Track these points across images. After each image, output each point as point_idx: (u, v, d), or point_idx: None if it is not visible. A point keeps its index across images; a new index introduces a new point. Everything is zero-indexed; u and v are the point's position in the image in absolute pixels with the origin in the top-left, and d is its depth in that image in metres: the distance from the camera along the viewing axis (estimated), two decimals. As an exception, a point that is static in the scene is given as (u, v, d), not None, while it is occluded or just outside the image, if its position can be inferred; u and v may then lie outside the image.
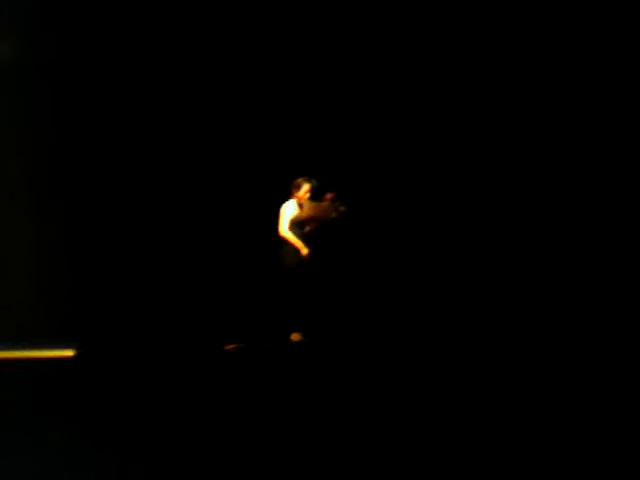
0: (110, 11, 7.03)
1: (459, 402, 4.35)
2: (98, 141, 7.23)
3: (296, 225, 6.65)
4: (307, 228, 6.68)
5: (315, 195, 6.77)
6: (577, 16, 6.89)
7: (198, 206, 7.35)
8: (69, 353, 4.79)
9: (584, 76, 6.96)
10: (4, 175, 7.12)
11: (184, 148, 7.34)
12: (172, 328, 5.68)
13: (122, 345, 4.98)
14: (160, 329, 5.51)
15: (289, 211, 6.66)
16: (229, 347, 5.69)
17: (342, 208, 6.76)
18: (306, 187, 6.68)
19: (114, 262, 6.93)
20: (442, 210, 7.29)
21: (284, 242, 6.61)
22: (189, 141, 7.37)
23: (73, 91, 7.25)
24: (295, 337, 6.43)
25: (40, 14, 6.84)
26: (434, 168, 7.34)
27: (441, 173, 7.33)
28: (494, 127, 7.19)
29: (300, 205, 6.70)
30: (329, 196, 6.73)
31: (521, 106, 7.10)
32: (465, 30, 7.14)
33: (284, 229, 6.60)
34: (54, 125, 7.26)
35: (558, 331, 5.93)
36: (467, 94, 7.22)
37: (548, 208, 7.02)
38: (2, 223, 7.03)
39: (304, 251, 6.57)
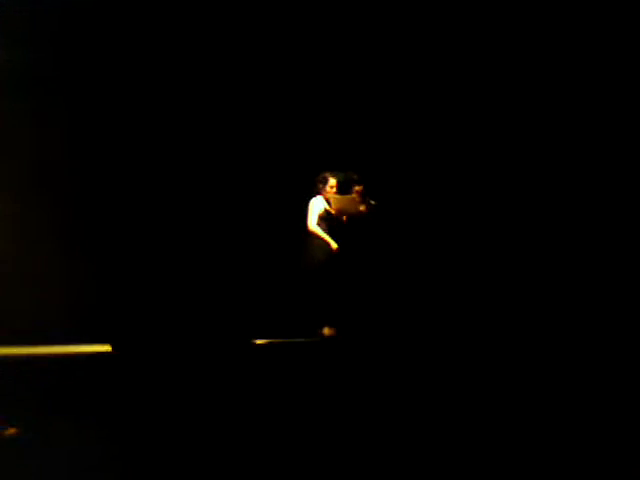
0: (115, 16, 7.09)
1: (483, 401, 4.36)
2: (120, 137, 7.30)
3: (323, 220, 6.66)
4: (343, 218, 6.67)
5: (341, 189, 6.77)
6: (577, 16, 6.82)
7: (228, 202, 7.38)
8: (106, 348, 4.84)
9: (584, 76, 6.89)
10: (31, 174, 7.24)
11: (212, 145, 7.37)
12: (203, 323, 5.70)
13: (157, 340, 5.02)
14: (191, 324, 5.54)
15: (317, 206, 6.68)
16: (258, 343, 5.70)
17: (372, 202, 6.76)
18: (332, 181, 6.70)
19: (148, 256, 7.00)
20: (470, 205, 7.25)
21: (312, 237, 6.62)
22: (217, 137, 7.40)
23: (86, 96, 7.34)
24: (327, 332, 6.42)
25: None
26: (462, 163, 7.29)
27: (469, 169, 7.28)
28: (522, 122, 7.14)
29: (327, 200, 6.72)
30: (357, 189, 6.71)
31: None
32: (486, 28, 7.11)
33: (312, 224, 6.62)
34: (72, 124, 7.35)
35: (559, 331, 5.87)
36: (493, 90, 7.16)
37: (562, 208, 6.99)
38: (31, 220, 7.14)
39: (333, 245, 6.57)
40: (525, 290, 6.73)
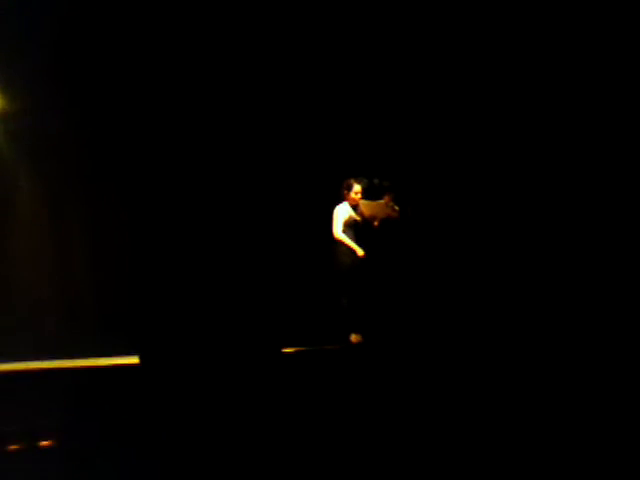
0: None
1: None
2: (150, 149, 7.38)
3: (349, 226, 6.64)
4: (374, 223, 6.66)
5: (366, 195, 6.76)
6: (577, 16, 6.75)
7: (257, 211, 7.42)
8: (134, 360, 4.88)
9: (585, 76, 6.82)
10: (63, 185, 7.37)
11: (244, 152, 7.41)
12: (231, 332, 5.73)
13: (185, 350, 5.05)
14: (219, 333, 5.57)
15: (342, 213, 6.66)
16: (287, 351, 5.71)
17: (397, 208, 6.75)
18: (358, 188, 6.69)
19: (177, 268, 7.08)
20: (494, 211, 7.20)
21: (338, 244, 6.60)
22: (245, 145, 7.45)
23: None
24: (355, 339, 6.40)
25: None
26: (486, 169, 7.25)
27: (492, 174, 7.23)
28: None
29: (353, 206, 6.70)
30: (388, 196, 6.70)
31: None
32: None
33: (338, 231, 6.60)
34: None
35: (561, 332, 5.83)
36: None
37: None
38: (59, 233, 7.26)
39: (359, 252, 6.54)
40: (546, 296, 6.67)
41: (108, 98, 7.28)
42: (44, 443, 4.09)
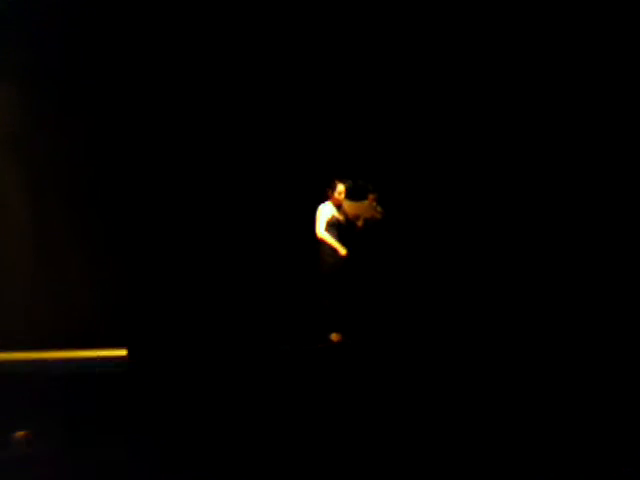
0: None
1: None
2: (141, 145, 7.39)
3: (332, 226, 6.64)
4: (358, 223, 6.68)
5: (349, 196, 6.78)
6: (577, 16, 6.84)
7: (238, 211, 7.45)
8: (122, 352, 4.88)
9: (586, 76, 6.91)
10: (51, 180, 7.33)
11: (221, 154, 7.44)
12: (215, 330, 5.76)
13: (173, 345, 5.06)
14: (204, 330, 5.59)
15: (325, 212, 6.65)
16: (274, 348, 5.74)
17: (380, 209, 6.78)
18: (341, 188, 6.68)
19: (164, 265, 7.09)
20: (481, 211, 7.26)
21: (321, 243, 6.59)
22: (226, 147, 7.47)
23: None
24: (335, 337, 6.42)
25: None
26: (472, 169, 7.31)
27: (478, 174, 7.29)
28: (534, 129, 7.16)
29: (337, 206, 6.71)
30: (371, 196, 6.73)
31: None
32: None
33: (321, 230, 6.59)
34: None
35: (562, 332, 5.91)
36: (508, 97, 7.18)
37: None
38: (52, 227, 7.23)
39: (342, 252, 6.54)
40: (543, 296, 6.74)
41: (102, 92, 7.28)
42: (19, 434, 4.06)
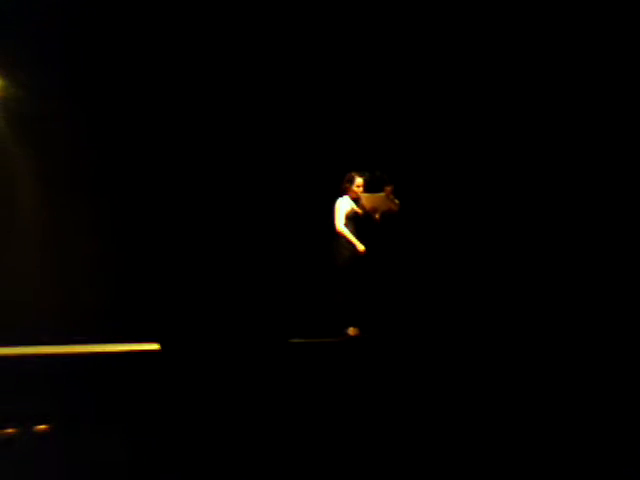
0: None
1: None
2: (154, 139, 7.36)
3: (350, 219, 6.59)
4: (375, 216, 6.62)
5: (368, 188, 6.73)
6: (577, 16, 6.77)
7: (257, 205, 7.43)
8: (155, 347, 4.88)
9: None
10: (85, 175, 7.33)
11: (241, 148, 7.41)
12: (235, 323, 5.77)
13: (202, 339, 5.06)
14: (223, 324, 5.61)
15: (344, 206, 6.60)
16: (289, 342, 5.72)
17: (397, 201, 6.73)
18: (360, 181, 6.64)
19: (189, 259, 7.12)
20: (495, 205, 7.23)
21: (338, 237, 6.55)
22: (245, 140, 7.44)
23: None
24: (352, 332, 6.40)
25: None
26: (488, 162, 7.26)
27: (495, 168, 7.25)
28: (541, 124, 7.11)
29: (354, 199, 6.67)
30: (388, 188, 6.65)
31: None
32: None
33: (340, 224, 6.54)
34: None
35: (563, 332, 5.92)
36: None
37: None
38: (81, 220, 7.23)
39: (360, 248, 6.49)
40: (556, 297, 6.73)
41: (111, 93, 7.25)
42: (40, 427, 4.08)
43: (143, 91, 7.31)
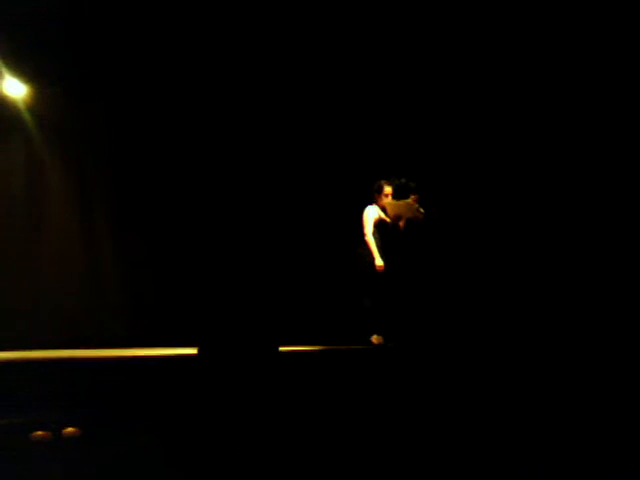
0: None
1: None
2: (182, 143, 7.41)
3: (378, 228, 6.57)
4: (400, 224, 6.59)
5: (396, 197, 6.72)
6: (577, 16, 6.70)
7: (285, 211, 7.46)
8: (192, 351, 4.93)
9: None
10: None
11: (270, 156, 7.44)
12: (263, 329, 5.80)
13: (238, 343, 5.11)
14: (255, 329, 5.63)
15: (372, 214, 6.60)
16: (307, 349, 5.74)
17: (422, 210, 6.71)
18: (388, 189, 6.64)
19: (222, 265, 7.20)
20: (523, 213, 7.20)
21: (365, 244, 6.53)
22: (276, 146, 7.46)
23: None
24: (376, 340, 6.40)
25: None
26: (516, 170, 7.22)
27: (524, 176, 7.21)
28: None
29: (382, 208, 6.67)
30: (414, 197, 6.63)
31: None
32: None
33: (369, 233, 6.52)
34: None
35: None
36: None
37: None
38: (120, 226, 7.30)
39: (379, 263, 6.43)
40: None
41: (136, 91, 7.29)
42: (69, 431, 4.11)
43: (171, 90, 7.32)
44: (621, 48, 6.65)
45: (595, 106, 6.87)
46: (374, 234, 6.53)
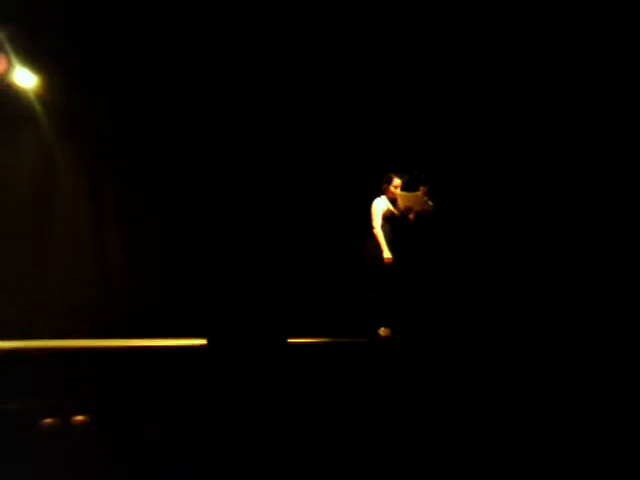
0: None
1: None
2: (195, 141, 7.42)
3: (387, 220, 6.55)
4: (410, 216, 6.57)
5: (406, 189, 6.70)
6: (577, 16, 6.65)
7: (294, 204, 7.46)
8: (202, 342, 4.94)
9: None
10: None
11: (279, 150, 7.44)
12: (271, 321, 5.81)
13: (251, 334, 5.11)
14: (264, 320, 5.65)
15: (381, 206, 6.57)
16: (314, 341, 5.74)
17: (431, 203, 6.70)
18: (397, 181, 6.61)
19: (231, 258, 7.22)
20: (532, 207, 7.17)
21: (372, 237, 6.52)
22: (286, 139, 7.46)
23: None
24: (384, 332, 6.40)
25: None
26: (527, 164, 7.19)
27: (534, 170, 7.18)
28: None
29: (392, 200, 6.65)
30: (423, 189, 6.61)
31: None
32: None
33: (378, 226, 6.50)
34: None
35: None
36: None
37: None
38: (130, 216, 7.32)
39: (387, 255, 6.40)
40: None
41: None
42: (79, 419, 4.13)
43: (184, 83, 7.33)
44: (621, 48, 6.61)
45: (610, 98, 6.84)
46: (383, 227, 6.51)
